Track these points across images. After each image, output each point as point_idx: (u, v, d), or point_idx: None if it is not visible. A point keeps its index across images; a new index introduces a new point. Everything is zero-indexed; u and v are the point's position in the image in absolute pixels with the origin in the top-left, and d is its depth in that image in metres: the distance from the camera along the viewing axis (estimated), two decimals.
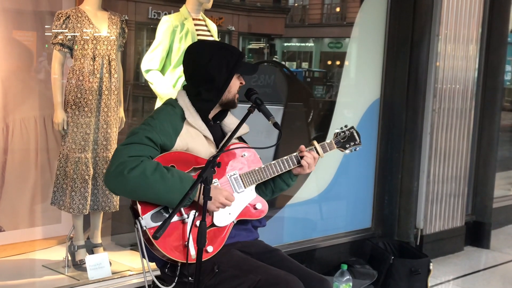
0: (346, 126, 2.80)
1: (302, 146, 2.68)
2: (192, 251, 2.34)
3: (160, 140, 2.41)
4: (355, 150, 2.82)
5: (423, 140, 4.73)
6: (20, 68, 4.19)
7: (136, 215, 2.37)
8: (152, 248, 2.38)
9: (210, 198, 2.19)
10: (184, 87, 2.63)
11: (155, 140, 2.40)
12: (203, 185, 2.17)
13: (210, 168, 2.17)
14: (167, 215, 2.33)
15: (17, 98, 4.17)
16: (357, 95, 4.80)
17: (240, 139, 2.71)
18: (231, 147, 2.57)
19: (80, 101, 3.66)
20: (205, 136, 2.53)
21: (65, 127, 3.69)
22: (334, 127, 4.70)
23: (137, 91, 5.85)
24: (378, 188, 4.85)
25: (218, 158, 2.49)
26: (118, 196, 3.86)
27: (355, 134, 2.80)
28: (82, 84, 3.66)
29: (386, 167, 4.80)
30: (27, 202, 4.27)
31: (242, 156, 2.59)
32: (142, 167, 2.29)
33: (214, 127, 2.61)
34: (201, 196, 2.20)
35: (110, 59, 3.73)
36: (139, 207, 2.35)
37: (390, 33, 4.69)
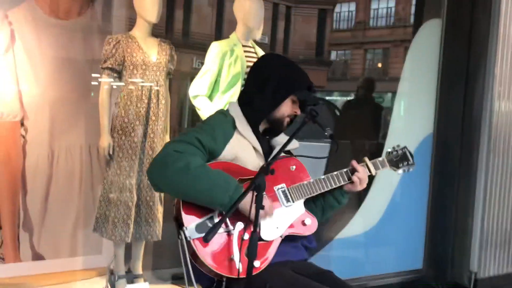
0: (398, 146, 2.68)
1: (354, 161, 2.55)
2: (238, 265, 2.20)
3: (209, 144, 2.34)
4: (408, 171, 2.69)
5: (477, 177, 4.56)
6: (68, 95, 4.19)
7: (180, 226, 2.26)
8: (196, 262, 2.24)
9: (263, 207, 2.07)
10: (238, 98, 2.58)
11: (204, 143, 2.33)
12: (255, 193, 2.06)
13: (263, 175, 2.06)
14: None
15: (64, 124, 4.16)
16: (409, 129, 4.67)
17: (289, 153, 2.62)
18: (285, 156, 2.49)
19: (127, 126, 3.63)
20: (254, 148, 2.46)
21: (111, 152, 3.65)
22: None
23: None
24: (430, 226, 4.67)
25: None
26: (161, 225, 3.78)
27: (408, 153, 2.68)
28: (130, 109, 3.63)
29: (439, 204, 4.63)
30: (68, 231, 4.21)
31: (290, 170, 2.48)
32: (187, 160, 2.21)
33: (263, 140, 2.53)
34: (245, 204, 2.13)
35: (158, 85, 3.71)
36: (183, 216, 2.24)
37: (443, 66, 4.59)
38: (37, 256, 4.06)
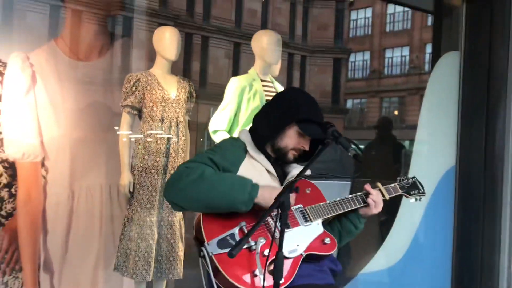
0: (407, 175, 2.79)
1: (367, 185, 2.59)
2: (262, 282, 2.16)
3: (222, 163, 2.35)
4: (419, 199, 2.78)
5: (503, 211, 4.45)
6: (88, 135, 4.20)
7: (201, 243, 2.23)
8: (219, 279, 2.20)
9: (288, 226, 2.05)
10: (251, 126, 2.62)
11: (217, 163, 2.34)
12: (280, 211, 2.04)
13: (287, 193, 2.03)
14: (233, 242, 2.19)
15: (85, 165, 4.15)
16: (431, 162, 4.61)
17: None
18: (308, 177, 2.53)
19: (147, 163, 3.63)
20: (268, 171, 2.47)
21: (131, 190, 3.65)
22: (406, 200, 4.51)
23: None
24: (456, 263, 4.55)
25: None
26: (182, 263, 3.74)
27: (418, 183, 2.78)
28: (150, 146, 3.64)
29: (465, 240, 4.53)
30: (89, 272, 4.15)
31: (306, 192, 2.50)
32: (201, 171, 2.24)
33: (275, 165, 2.54)
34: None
35: (178, 121, 3.73)
36: (204, 233, 2.22)
37: (464, 98, 4.57)
38: None
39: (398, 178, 2.75)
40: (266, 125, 2.49)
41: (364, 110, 24.04)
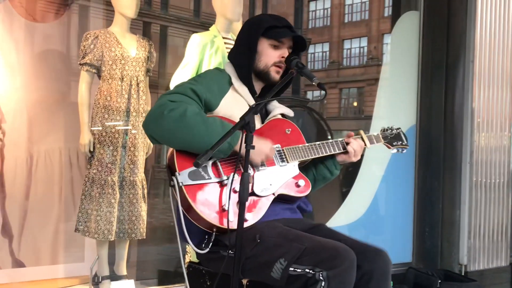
0: (393, 126, 2.73)
1: (350, 133, 2.55)
2: (231, 217, 2.13)
3: (204, 95, 2.28)
4: (402, 151, 2.73)
5: (462, 168, 4.52)
6: (46, 98, 4.13)
7: (172, 173, 2.18)
8: (188, 210, 2.16)
9: (253, 147, 2.01)
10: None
11: (199, 94, 2.27)
12: (245, 133, 2.01)
13: (251, 114, 2.01)
14: (206, 175, 2.16)
15: (43, 128, 4.09)
16: (391, 121, 4.65)
17: (283, 117, 2.58)
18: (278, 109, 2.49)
19: (107, 122, 3.57)
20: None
21: (91, 149, 3.58)
22: (367, 158, 4.55)
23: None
24: (418, 219, 4.61)
25: (263, 127, 2.41)
26: (145, 223, 3.69)
27: (402, 135, 2.73)
28: (110, 105, 3.57)
29: (426, 197, 4.59)
30: (49, 238, 4.10)
31: (286, 132, 2.45)
32: (184, 108, 2.16)
33: (258, 101, 2.48)
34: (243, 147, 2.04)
35: (138, 80, 3.67)
36: (176, 163, 2.17)
37: (423, 57, 4.61)
38: (17, 263, 3.93)
39: (382, 128, 2.72)
40: (240, 53, 2.45)
41: (324, 101, 24.11)
